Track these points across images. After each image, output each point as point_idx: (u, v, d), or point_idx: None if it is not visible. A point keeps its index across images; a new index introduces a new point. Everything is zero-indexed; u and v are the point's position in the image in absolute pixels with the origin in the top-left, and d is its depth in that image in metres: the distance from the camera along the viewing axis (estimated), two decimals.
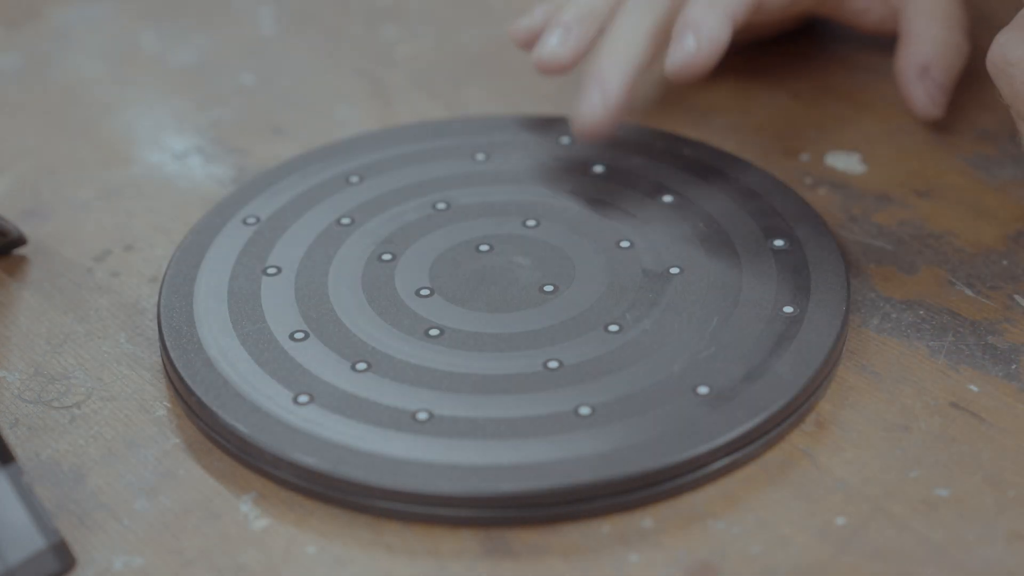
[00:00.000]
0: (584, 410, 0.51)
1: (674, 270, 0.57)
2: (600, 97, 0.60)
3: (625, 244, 0.59)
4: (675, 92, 0.72)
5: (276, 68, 0.75)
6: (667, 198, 0.61)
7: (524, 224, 0.60)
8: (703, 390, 0.51)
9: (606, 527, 0.49)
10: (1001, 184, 0.64)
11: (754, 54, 0.75)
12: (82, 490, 0.51)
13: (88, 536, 0.49)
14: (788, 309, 0.55)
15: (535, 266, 0.58)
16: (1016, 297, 0.57)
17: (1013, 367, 0.54)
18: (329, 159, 0.64)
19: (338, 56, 0.76)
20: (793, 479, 0.50)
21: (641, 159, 0.64)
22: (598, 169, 0.63)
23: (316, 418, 0.51)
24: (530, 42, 0.65)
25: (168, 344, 0.55)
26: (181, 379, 0.53)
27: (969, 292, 0.58)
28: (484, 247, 0.58)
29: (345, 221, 0.60)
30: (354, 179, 0.63)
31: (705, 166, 0.63)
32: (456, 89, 0.73)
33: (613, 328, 0.54)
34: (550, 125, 0.65)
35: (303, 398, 0.52)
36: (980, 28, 0.70)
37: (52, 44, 0.78)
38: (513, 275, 0.57)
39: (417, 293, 0.56)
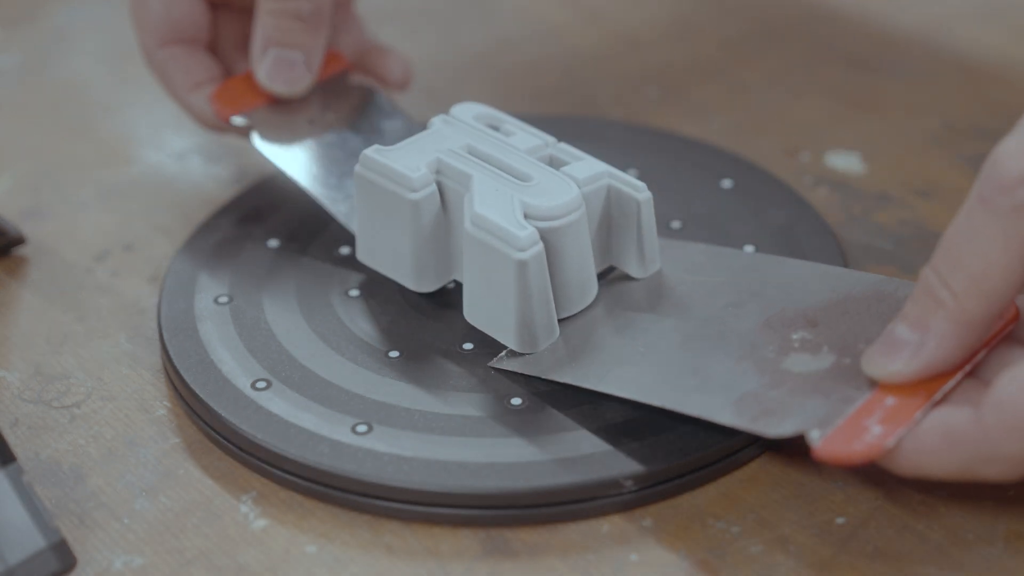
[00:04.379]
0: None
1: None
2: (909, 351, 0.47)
3: None
4: (675, 91, 0.72)
5: None
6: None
7: None
8: None
9: (606, 527, 0.49)
10: None
11: (754, 53, 0.76)
12: (82, 490, 0.51)
13: (88, 536, 0.49)
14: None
15: None
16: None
17: None
18: None
19: None
20: (793, 479, 0.50)
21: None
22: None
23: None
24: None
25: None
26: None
27: None
28: None
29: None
30: None
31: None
32: (456, 89, 0.73)
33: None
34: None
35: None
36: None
37: (51, 44, 0.78)
38: None
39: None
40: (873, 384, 0.47)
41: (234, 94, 0.61)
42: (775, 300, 0.52)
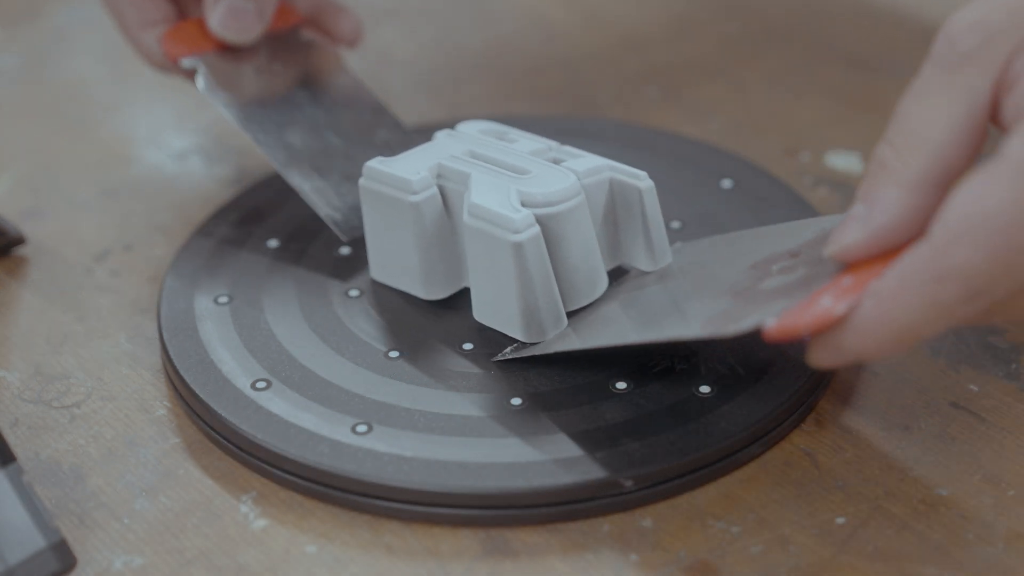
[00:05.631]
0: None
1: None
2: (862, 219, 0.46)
3: None
4: (675, 91, 0.72)
5: None
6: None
7: None
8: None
9: (606, 527, 0.49)
10: None
11: (754, 53, 0.76)
12: (82, 490, 0.51)
13: (88, 536, 0.49)
14: None
15: None
16: None
17: (1013, 367, 0.54)
18: None
19: None
20: (793, 479, 0.50)
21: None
22: None
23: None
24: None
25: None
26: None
27: None
28: None
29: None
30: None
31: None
32: (456, 89, 0.73)
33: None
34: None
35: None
36: None
37: (51, 44, 0.78)
38: None
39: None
40: (836, 274, 0.46)
41: (185, 37, 0.62)
42: (765, 250, 0.52)
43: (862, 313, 0.44)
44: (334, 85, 0.63)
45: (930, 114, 0.44)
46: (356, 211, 0.59)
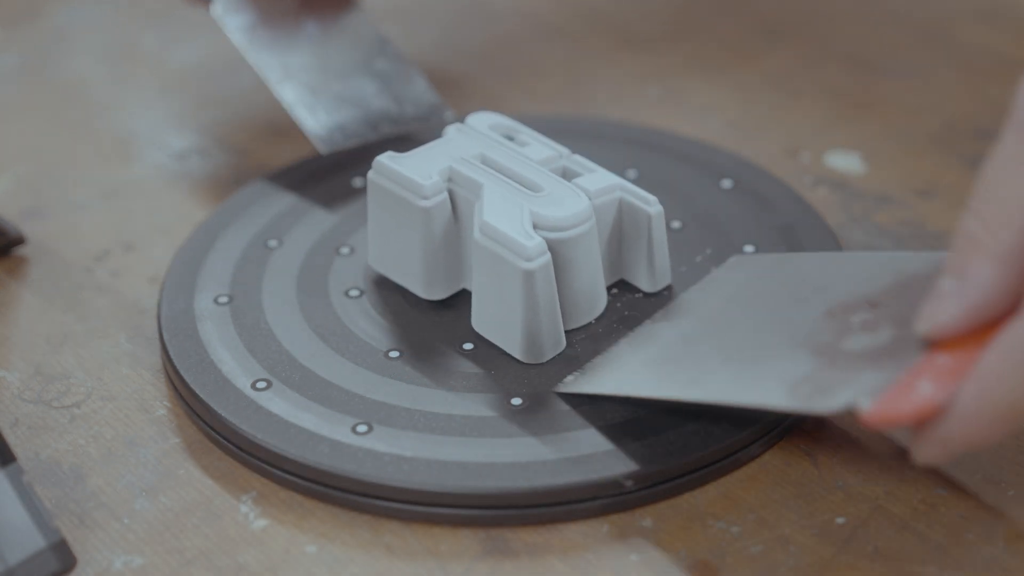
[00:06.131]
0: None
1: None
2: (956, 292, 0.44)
3: None
4: (675, 91, 0.72)
5: None
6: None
7: None
8: None
9: (606, 527, 0.49)
10: None
11: (754, 53, 0.76)
12: (82, 490, 0.51)
13: (88, 536, 0.49)
14: None
15: None
16: None
17: None
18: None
19: None
20: (793, 479, 0.50)
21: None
22: None
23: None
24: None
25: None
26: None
27: None
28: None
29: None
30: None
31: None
32: (457, 89, 0.73)
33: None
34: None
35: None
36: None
37: (51, 44, 0.78)
38: None
39: None
40: (928, 348, 0.45)
41: None
42: (836, 291, 0.50)
43: (965, 398, 0.42)
44: (345, 16, 0.66)
45: (1016, 182, 0.43)
46: (341, 130, 0.61)
